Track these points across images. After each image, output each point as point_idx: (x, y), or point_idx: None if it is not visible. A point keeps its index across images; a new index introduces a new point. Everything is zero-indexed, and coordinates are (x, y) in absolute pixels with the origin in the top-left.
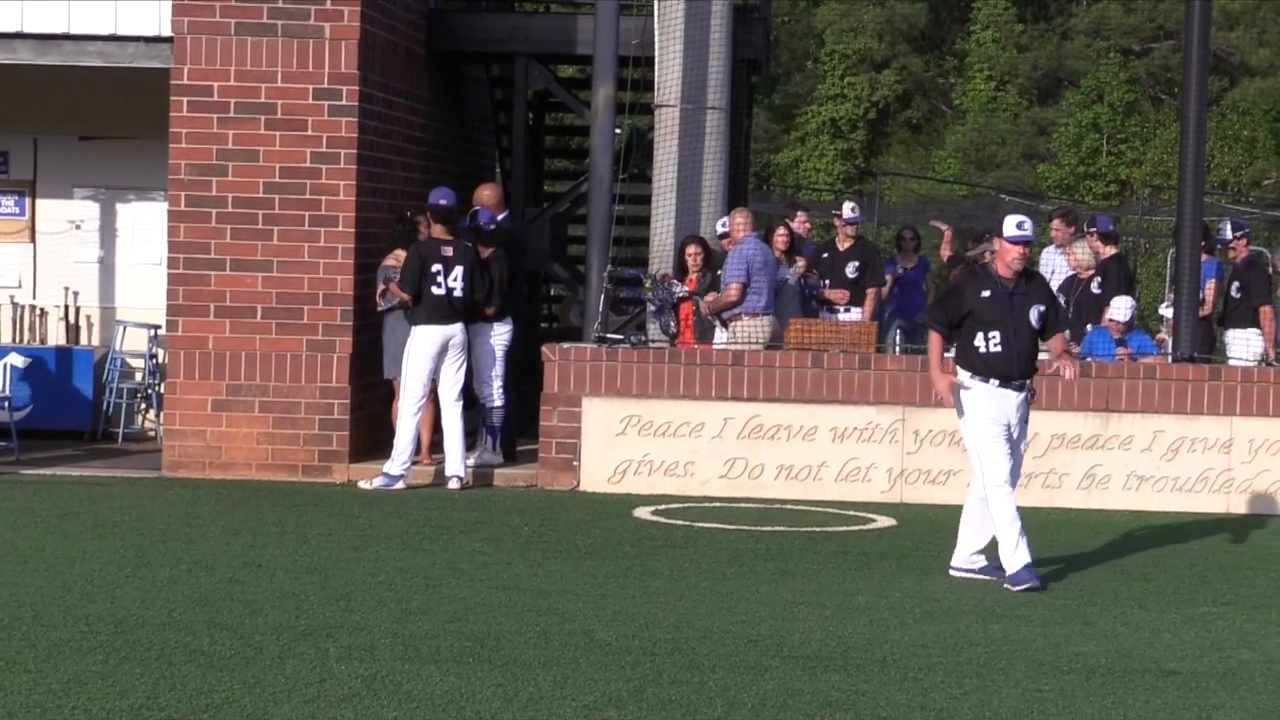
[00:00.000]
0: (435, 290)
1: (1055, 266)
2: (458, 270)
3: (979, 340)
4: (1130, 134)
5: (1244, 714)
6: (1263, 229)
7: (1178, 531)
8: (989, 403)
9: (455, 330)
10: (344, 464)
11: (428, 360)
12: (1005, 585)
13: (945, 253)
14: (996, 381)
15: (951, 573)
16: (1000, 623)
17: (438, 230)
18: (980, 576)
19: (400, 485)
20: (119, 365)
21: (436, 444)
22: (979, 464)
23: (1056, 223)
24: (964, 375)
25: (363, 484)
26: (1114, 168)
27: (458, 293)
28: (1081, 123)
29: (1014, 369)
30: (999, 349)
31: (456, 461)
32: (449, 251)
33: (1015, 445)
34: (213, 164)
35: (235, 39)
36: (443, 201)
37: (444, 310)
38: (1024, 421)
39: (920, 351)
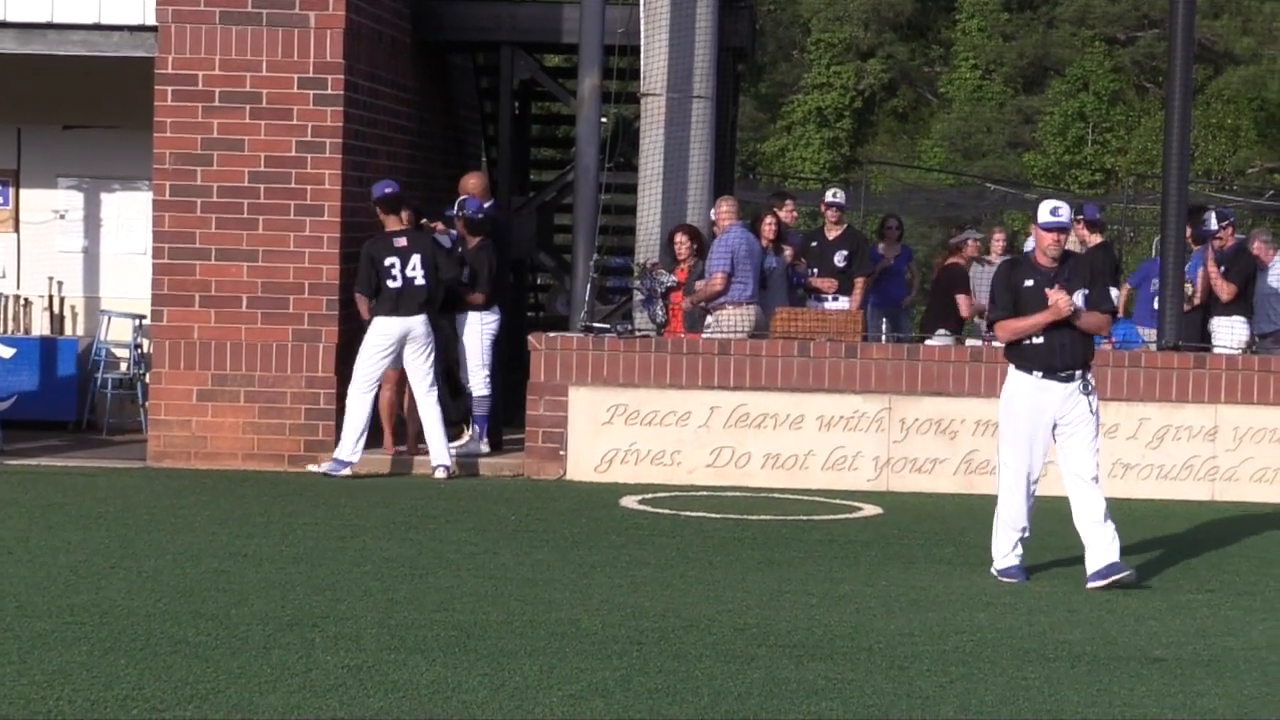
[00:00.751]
0: (391, 284)
1: None
2: (415, 259)
3: None
4: (1115, 122)
5: (1229, 701)
6: (1246, 217)
7: (1162, 519)
8: (1025, 399)
9: (415, 323)
10: (330, 454)
11: (381, 352)
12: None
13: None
14: (1040, 373)
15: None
16: (986, 611)
17: (391, 222)
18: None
19: (347, 471)
20: (104, 355)
21: (400, 434)
22: (999, 460)
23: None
24: (1011, 369)
25: (311, 467)
26: (1099, 156)
27: (419, 281)
28: (1067, 111)
29: (1057, 359)
30: (1040, 340)
31: (440, 451)
32: (403, 242)
33: (1070, 442)
34: (197, 153)
35: (220, 28)
36: (388, 190)
37: (403, 302)
38: (1086, 416)
39: (905, 340)
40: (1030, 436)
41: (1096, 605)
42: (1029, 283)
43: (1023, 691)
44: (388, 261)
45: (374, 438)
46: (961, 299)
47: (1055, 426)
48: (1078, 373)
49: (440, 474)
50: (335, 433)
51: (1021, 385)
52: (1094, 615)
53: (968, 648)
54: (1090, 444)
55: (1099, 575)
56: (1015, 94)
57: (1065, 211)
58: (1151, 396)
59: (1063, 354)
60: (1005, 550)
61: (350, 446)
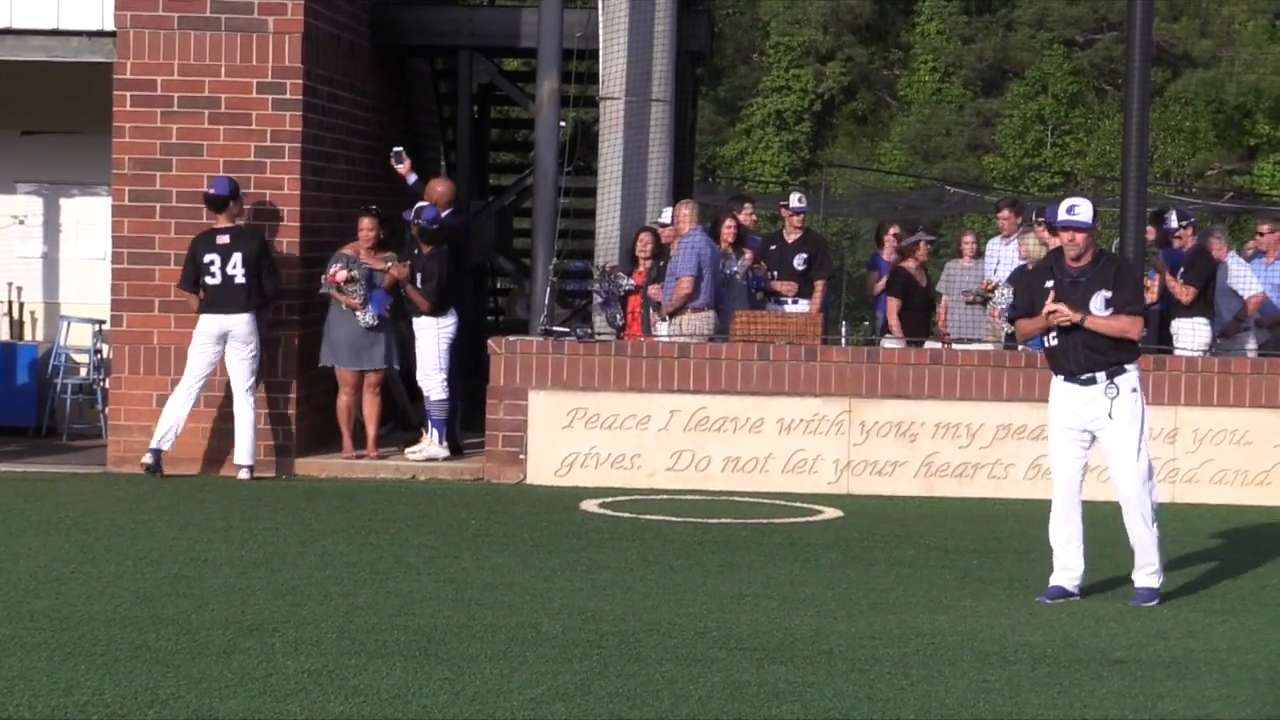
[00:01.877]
0: (209, 280)
1: (1001, 257)
2: (236, 257)
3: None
4: (1074, 125)
5: (1189, 702)
6: (1205, 219)
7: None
8: (1053, 401)
9: (235, 321)
10: (290, 458)
11: (201, 350)
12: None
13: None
14: (1061, 377)
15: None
16: (946, 614)
17: (221, 219)
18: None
19: (149, 459)
20: (64, 361)
21: (359, 438)
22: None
23: (1005, 213)
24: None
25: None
26: (1058, 159)
27: (239, 279)
28: (1026, 114)
29: (1071, 362)
30: (1055, 341)
31: (245, 452)
32: (224, 240)
33: (1106, 450)
34: (156, 158)
35: (178, 33)
36: (211, 190)
37: (219, 300)
38: (1107, 422)
39: (868, 343)
40: (1059, 440)
41: (1056, 608)
42: (1049, 284)
43: (984, 694)
44: (207, 258)
45: (329, 443)
46: (892, 303)
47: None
48: (1098, 376)
49: (244, 474)
50: (295, 437)
51: (1053, 388)
52: (1054, 618)
53: (928, 650)
54: (1117, 453)
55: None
56: (974, 97)
57: (1082, 210)
58: None
59: (1075, 357)
60: (1055, 565)
61: (158, 436)
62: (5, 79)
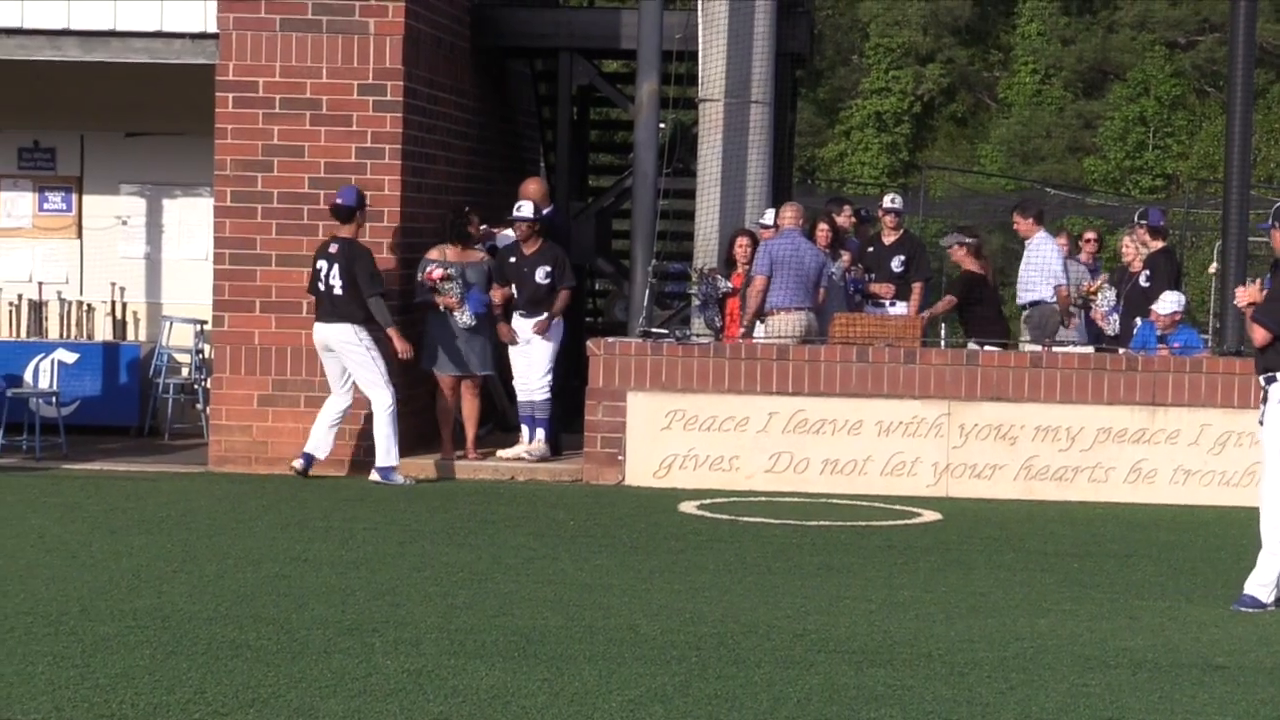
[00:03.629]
0: (319, 286)
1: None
2: (337, 268)
3: None
4: (1176, 127)
5: None
6: None
7: (1224, 526)
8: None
9: (330, 331)
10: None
11: (322, 358)
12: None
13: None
14: None
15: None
16: (1046, 617)
17: (344, 230)
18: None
19: (300, 464)
20: (165, 361)
21: (479, 438)
22: None
23: (1016, 215)
24: None
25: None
26: (1160, 161)
27: (337, 290)
28: (1127, 116)
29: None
30: None
31: (379, 452)
32: (335, 249)
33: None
34: (258, 159)
35: (280, 35)
36: (339, 200)
37: (321, 308)
38: (1260, 426)
39: (962, 346)
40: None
41: (1158, 612)
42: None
43: (1083, 699)
44: (319, 265)
45: (428, 444)
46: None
47: None
48: (1262, 378)
49: (374, 476)
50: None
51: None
52: (1155, 622)
53: (1028, 654)
54: (1266, 456)
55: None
56: (1075, 99)
57: None
58: (1213, 402)
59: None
60: (1261, 578)
61: (310, 443)
62: (109, 81)
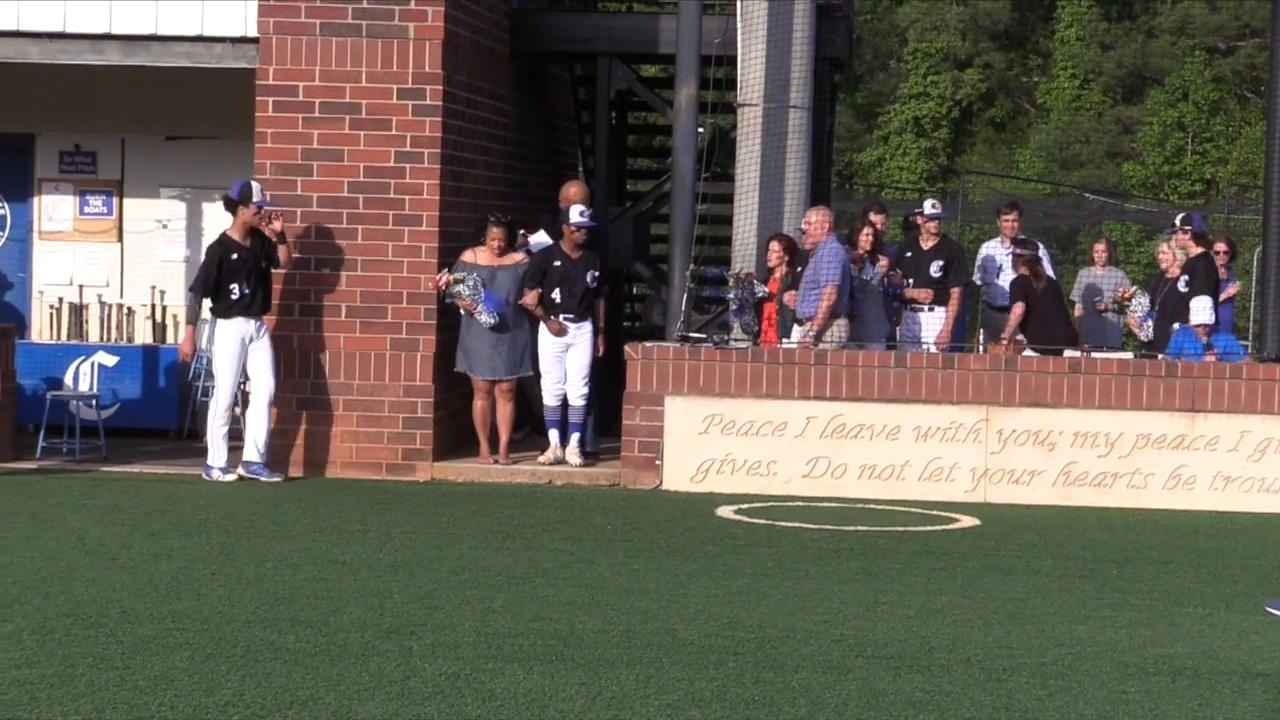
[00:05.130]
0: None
1: (1005, 264)
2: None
3: None
4: (1215, 133)
5: None
6: None
7: (1264, 532)
8: None
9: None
10: (428, 462)
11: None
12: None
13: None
14: None
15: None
16: (1085, 624)
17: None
18: None
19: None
20: (205, 364)
21: (516, 441)
22: None
23: (1009, 215)
24: None
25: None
26: (1199, 166)
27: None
28: (1166, 121)
29: None
30: None
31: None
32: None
33: None
34: (298, 164)
35: (320, 39)
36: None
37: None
38: None
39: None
40: None
41: (1198, 620)
42: None
43: (1123, 705)
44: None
45: (470, 447)
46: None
47: None
48: None
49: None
50: (433, 441)
51: None
52: (1195, 629)
53: (1067, 660)
54: None
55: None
56: (1114, 104)
57: None
58: (1253, 409)
59: None
60: None
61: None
62: (150, 85)
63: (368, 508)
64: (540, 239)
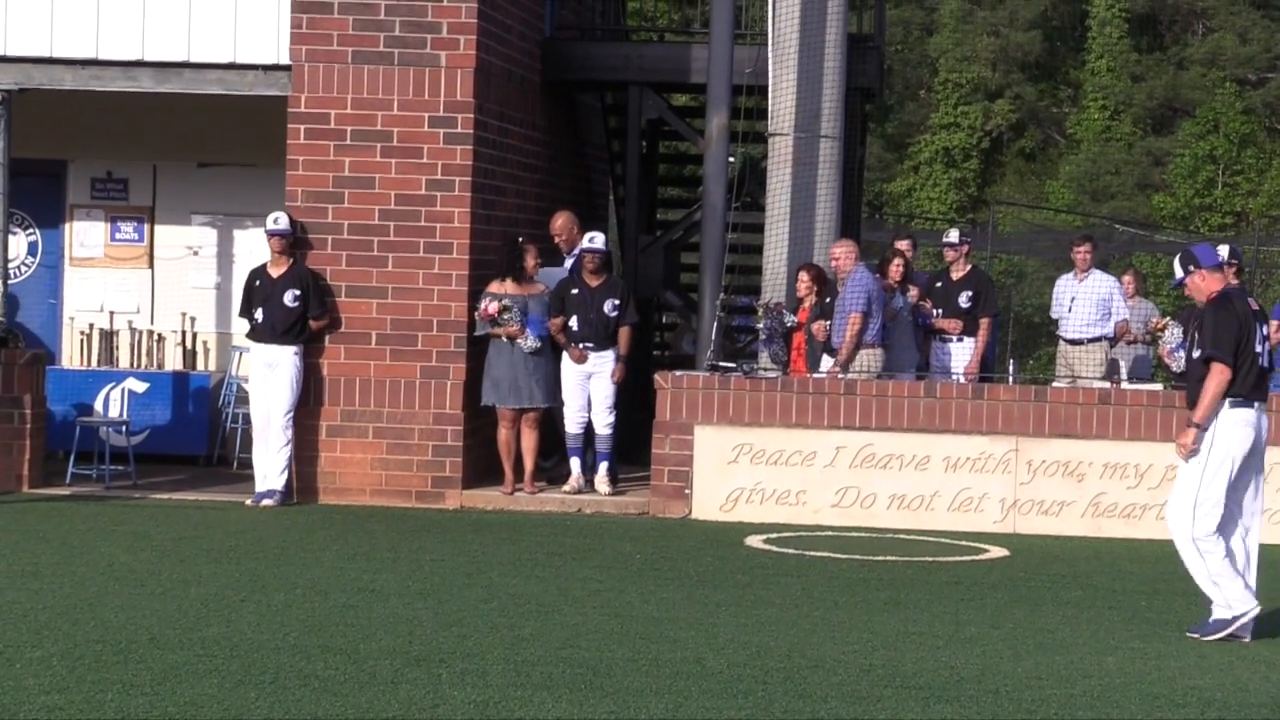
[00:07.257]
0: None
1: (1077, 294)
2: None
3: None
4: (1246, 165)
5: None
6: None
7: None
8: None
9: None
10: (457, 490)
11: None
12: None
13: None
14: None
15: None
16: (1114, 655)
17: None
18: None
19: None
20: (235, 390)
21: (545, 469)
22: None
23: (1084, 249)
24: None
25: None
26: (1230, 199)
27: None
28: (1197, 153)
29: None
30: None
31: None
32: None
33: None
34: (329, 191)
35: (352, 67)
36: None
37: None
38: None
39: (1032, 381)
40: None
41: (1227, 651)
42: None
43: None
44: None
45: (494, 475)
46: None
47: None
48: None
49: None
50: (462, 469)
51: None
52: (1224, 661)
53: (1095, 692)
54: None
55: None
56: (1144, 135)
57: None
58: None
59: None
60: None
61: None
62: (182, 112)
63: (397, 535)
64: (547, 271)
